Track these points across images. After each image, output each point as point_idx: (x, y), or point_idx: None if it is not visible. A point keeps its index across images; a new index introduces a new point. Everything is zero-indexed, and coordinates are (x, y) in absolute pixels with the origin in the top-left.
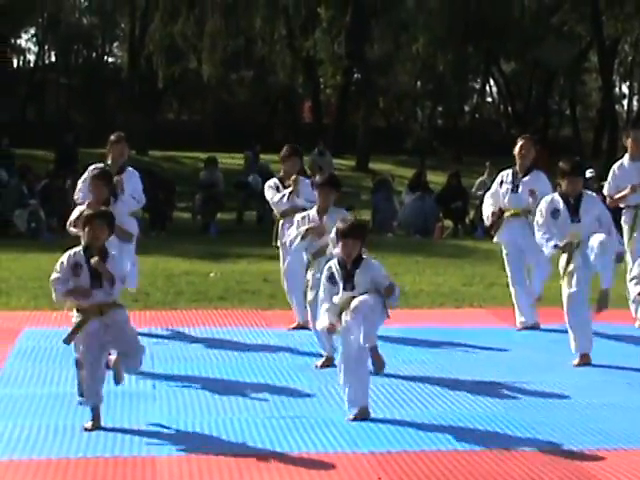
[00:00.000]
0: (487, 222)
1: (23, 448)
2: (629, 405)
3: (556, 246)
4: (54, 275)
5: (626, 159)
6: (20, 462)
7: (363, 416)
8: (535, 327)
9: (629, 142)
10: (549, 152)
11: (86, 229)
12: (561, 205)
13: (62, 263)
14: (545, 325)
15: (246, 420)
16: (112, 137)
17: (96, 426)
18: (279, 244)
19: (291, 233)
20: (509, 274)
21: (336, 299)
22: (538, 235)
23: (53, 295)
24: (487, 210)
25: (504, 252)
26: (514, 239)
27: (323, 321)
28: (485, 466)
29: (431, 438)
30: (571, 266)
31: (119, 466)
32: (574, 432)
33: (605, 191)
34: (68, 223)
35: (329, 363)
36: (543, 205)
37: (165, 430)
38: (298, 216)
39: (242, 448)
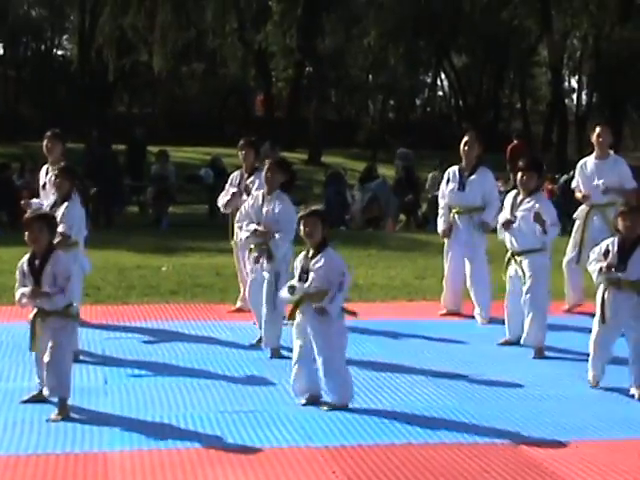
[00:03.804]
0: (441, 226)
1: None
2: (582, 397)
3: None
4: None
5: None
6: None
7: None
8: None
9: None
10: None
11: (26, 233)
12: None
13: (17, 271)
14: (499, 318)
15: (199, 415)
16: (47, 133)
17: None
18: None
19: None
20: (447, 268)
21: (286, 292)
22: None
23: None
24: (439, 225)
25: (445, 247)
26: (459, 236)
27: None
28: (439, 459)
29: (385, 431)
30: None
31: (70, 462)
32: (528, 424)
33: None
34: None
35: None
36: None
37: (116, 425)
38: (246, 202)
39: (195, 443)
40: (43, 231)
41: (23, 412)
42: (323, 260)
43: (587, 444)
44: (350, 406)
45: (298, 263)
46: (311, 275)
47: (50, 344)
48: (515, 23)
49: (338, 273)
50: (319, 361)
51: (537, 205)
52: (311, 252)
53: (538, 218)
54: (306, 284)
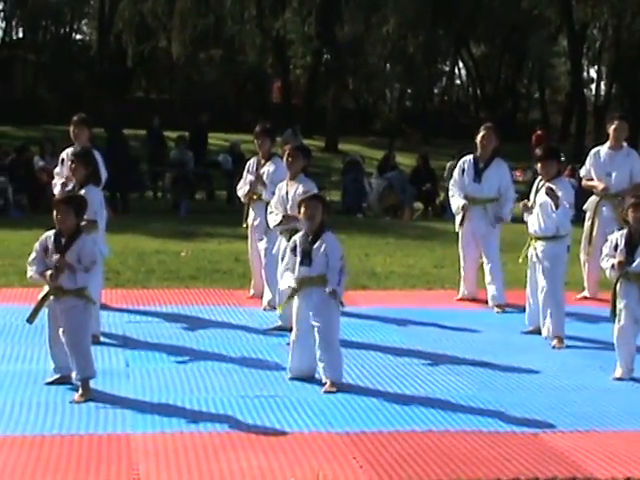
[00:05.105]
0: (458, 214)
1: None
2: (601, 387)
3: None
4: (31, 256)
5: None
6: None
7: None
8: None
9: None
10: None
11: (54, 213)
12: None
13: (38, 244)
14: (517, 307)
15: (220, 399)
16: (74, 118)
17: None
18: (248, 225)
19: (269, 216)
20: (462, 257)
21: (291, 276)
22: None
23: (27, 274)
24: (456, 202)
25: (460, 236)
26: (472, 226)
27: (284, 283)
28: (460, 447)
29: (405, 418)
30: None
31: (94, 443)
32: (547, 414)
33: None
34: None
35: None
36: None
37: (139, 408)
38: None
39: (216, 427)
40: (70, 214)
41: (47, 393)
42: (325, 245)
43: (608, 435)
44: (370, 393)
45: (298, 245)
46: (315, 259)
47: (65, 324)
48: (535, 12)
49: (337, 257)
50: (319, 340)
51: (554, 187)
52: (311, 236)
53: (551, 193)
54: (310, 268)
